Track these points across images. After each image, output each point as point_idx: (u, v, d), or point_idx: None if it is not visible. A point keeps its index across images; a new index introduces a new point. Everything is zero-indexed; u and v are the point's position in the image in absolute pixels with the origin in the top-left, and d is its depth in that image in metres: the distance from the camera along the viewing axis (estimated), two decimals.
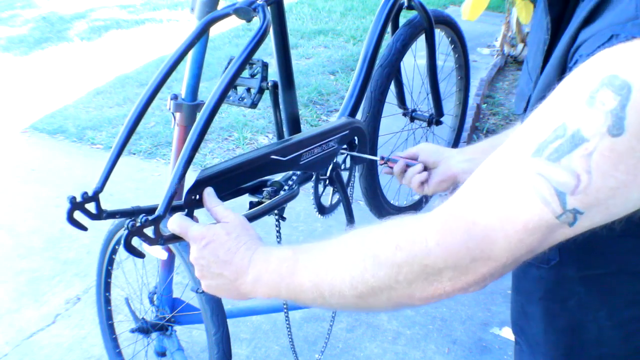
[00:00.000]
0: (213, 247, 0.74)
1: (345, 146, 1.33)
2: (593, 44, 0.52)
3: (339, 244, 0.65)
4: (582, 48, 0.54)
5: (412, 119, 1.91)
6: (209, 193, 0.86)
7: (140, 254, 0.87)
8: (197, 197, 0.90)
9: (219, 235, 0.75)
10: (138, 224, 0.83)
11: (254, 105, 1.27)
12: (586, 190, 0.50)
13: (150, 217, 0.84)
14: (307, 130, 1.17)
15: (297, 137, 1.17)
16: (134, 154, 3.40)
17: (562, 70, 0.57)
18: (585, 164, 0.50)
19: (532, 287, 0.73)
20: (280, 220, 1.33)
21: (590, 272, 0.65)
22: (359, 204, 2.43)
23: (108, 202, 0.98)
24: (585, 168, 0.50)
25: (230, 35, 5.28)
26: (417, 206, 2.11)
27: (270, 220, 1.33)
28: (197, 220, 0.83)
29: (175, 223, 0.80)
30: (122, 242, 0.83)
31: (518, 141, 0.54)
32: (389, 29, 1.71)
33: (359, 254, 0.60)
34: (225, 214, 0.80)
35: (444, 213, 0.57)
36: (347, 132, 1.29)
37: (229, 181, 0.97)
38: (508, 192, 0.53)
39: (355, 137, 1.34)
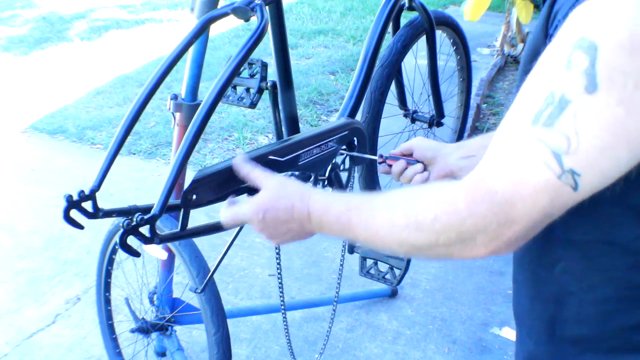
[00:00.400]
0: (271, 214, 0.83)
1: (344, 147, 1.32)
2: (565, 7, 0.58)
3: (386, 209, 0.72)
4: (559, 12, 0.59)
5: (413, 120, 1.91)
6: (243, 160, 0.93)
7: (136, 253, 0.87)
8: (194, 196, 0.90)
9: (270, 201, 0.84)
10: (134, 223, 0.83)
11: (253, 105, 1.27)
12: (577, 151, 0.56)
13: (146, 216, 0.84)
14: (306, 130, 1.17)
15: (295, 137, 1.17)
16: (134, 154, 3.40)
17: (545, 37, 0.62)
18: (573, 125, 0.55)
19: (522, 251, 0.77)
20: None
21: (574, 237, 0.69)
22: None
23: (108, 201, 0.98)
24: (573, 129, 0.55)
25: (230, 35, 5.28)
26: None
27: None
28: (186, 224, 0.86)
29: (228, 217, 0.87)
30: (118, 240, 0.83)
31: (518, 112, 0.61)
32: (389, 29, 1.71)
33: (403, 220, 0.68)
34: (263, 178, 0.88)
35: (471, 182, 0.63)
36: (346, 132, 1.28)
37: (227, 181, 0.96)
38: (517, 160, 0.59)
39: (355, 138, 1.34)
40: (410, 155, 1.15)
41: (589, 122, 0.55)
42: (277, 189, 0.85)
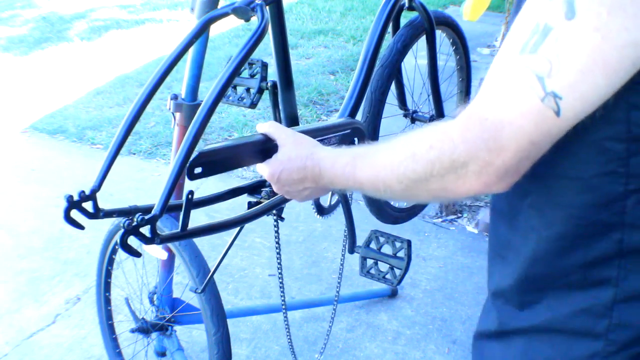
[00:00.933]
0: (285, 174, 0.90)
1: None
2: None
3: (387, 148, 0.76)
4: None
5: (413, 120, 1.91)
6: (261, 125, 0.99)
7: (137, 253, 0.87)
8: (200, 170, 0.91)
9: (283, 163, 0.91)
10: (134, 223, 0.83)
11: (253, 105, 1.26)
12: (558, 73, 0.59)
13: (146, 217, 0.84)
14: (308, 124, 1.16)
15: (298, 128, 1.16)
16: (134, 154, 3.40)
17: None
18: (554, 49, 0.59)
19: None
20: (279, 221, 1.33)
21: (540, 170, 0.70)
22: (359, 204, 2.43)
23: (108, 201, 0.98)
24: (554, 53, 0.59)
25: (230, 35, 5.28)
26: (417, 208, 2.11)
27: (270, 220, 1.33)
28: (186, 224, 0.89)
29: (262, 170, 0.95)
30: (119, 240, 0.83)
31: (508, 45, 0.64)
32: (389, 29, 1.70)
33: (402, 155, 0.72)
34: (278, 137, 0.95)
35: (464, 114, 0.66)
36: (348, 131, 1.28)
37: (226, 161, 0.98)
38: (505, 87, 0.63)
39: (356, 138, 1.34)
40: None
41: (568, 47, 0.58)
42: (290, 150, 0.91)
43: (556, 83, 0.59)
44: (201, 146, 0.91)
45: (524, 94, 0.61)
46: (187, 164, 0.90)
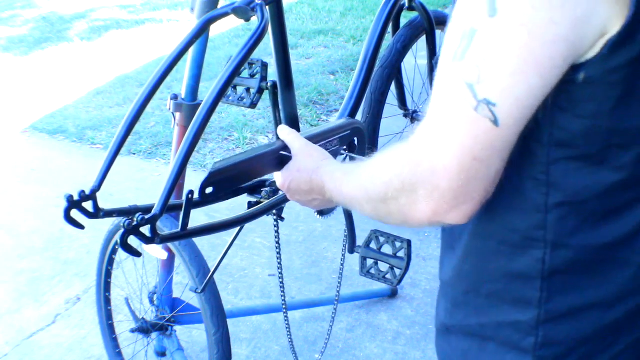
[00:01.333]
0: (295, 184, 0.93)
1: (345, 147, 1.32)
2: None
3: (365, 166, 0.75)
4: None
5: (413, 120, 1.92)
6: (283, 129, 1.03)
7: (137, 253, 0.87)
8: (212, 189, 0.91)
9: (292, 173, 0.93)
10: (134, 223, 0.83)
11: (253, 105, 1.27)
12: (488, 78, 0.54)
13: (146, 216, 0.84)
14: (308, 129, 1.17)
15: (305, 133, 1.16)
16: (134, 154, 3.40)
17: None
18: (480, 52, 0.54)
19: None
20: (279, 221, 1.33)
21: None
22: None
23: (108, 201, 0.98)
24: (481, 56, 0.54)
25: (230, 35, 5.28)
26: None
27: (270, 220, 1.33)
28: (186, 224, 0.86)
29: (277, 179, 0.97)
30: (119, 240, 0.83)
31: (444, 54, 0.60)
32: (389, 29, 1.71)
33: (366, 175, 0.73)
34: (292, 143, 0.98)
35: (415, 132, 0.63)
36: (348, 132, 1.29)
37: (239, 176, 0.98)
38: (441, 100, 0.59)
39: (355, 138, 1.34)
40: None
41: (495, 48, 0.53)
42: (300, 162, 0.94)
43: (487, 89, 0.54)
44: (200, 145, 0.91)
45: (456, 105, 0.57)
46: (199, 187, 0.91)
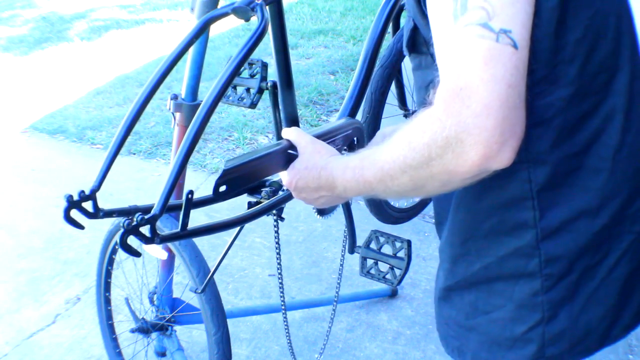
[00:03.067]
0: (302, 182, 0.92)
1: (345, 147, 1.32)
2: None
3: (388, 144, 0.76)
4: None
5: None
6: (289, 131, 1.02)
7: (137, 253, 0.87)
8: (225, 187, 0.91)
9: (300, 170, 0.93)
10: (134, 223, 0.83)
11: (253, 105, 1.27)
12: (496, 12, 0.63)
13: (146, 216, 0.84)
14: (311, 129, 1.17)
15: (311, 132, 1.16)
16: (134, 154, 3.40)
17: None
18: None
19: None
20: (279, 221, 1.33)
21: None
22: (359, 204, 2.43)
23: (108, 201, 0.98)
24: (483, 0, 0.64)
25: (230, 35, 5.28)
26: (417, 208, 2.11)
27: (270, 220, 1.33)
28: (186, 224, 0.90)
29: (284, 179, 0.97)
30: (119, 240, 0.83)
31: (440, 25, 0.67)
32: (389, 29, 1.70)
33: (399, 146, 0.73)
34: (298, 145, 0.97)
35: (440, 93, 0.67)
36: (349, 132, 1.28)
37: (249, 175, 0.98)
38: (461, 53, 0.65)
39: (355, 138, 1.34)
40: None
41: None
42: (307, 159, 0.94)
43: (501, 20, 0.63)
44: (200, 145, 0.91)
45: (479, 45, 0.63)
46: (214, 184, 0.90)
